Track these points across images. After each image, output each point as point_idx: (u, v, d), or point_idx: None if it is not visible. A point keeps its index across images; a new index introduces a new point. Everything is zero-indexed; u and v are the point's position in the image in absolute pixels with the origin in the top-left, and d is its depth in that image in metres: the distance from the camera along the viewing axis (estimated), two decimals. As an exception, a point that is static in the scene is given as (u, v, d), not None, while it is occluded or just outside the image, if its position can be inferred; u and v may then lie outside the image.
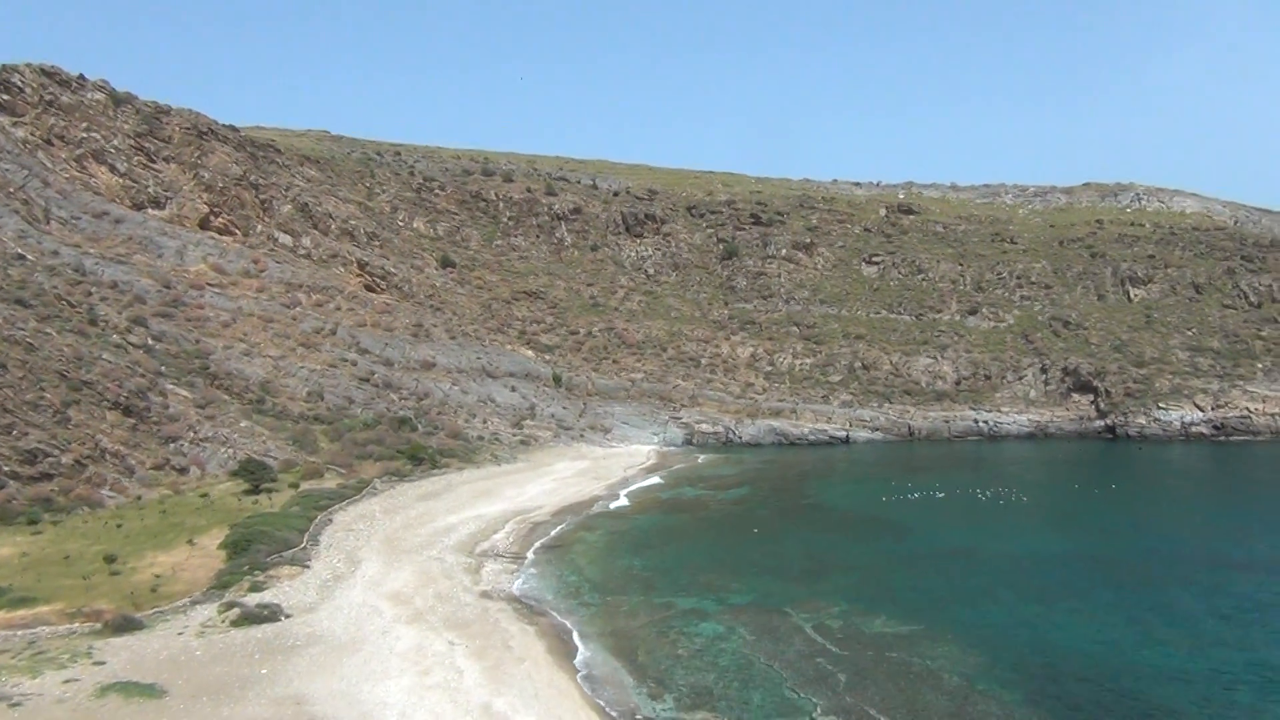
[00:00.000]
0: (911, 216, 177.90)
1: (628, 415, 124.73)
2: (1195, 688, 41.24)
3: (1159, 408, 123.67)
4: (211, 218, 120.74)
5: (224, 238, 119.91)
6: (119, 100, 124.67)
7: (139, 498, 69.25)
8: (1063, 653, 45.90)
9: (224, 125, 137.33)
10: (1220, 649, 45.69)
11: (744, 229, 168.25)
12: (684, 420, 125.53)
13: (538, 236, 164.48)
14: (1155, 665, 43.88)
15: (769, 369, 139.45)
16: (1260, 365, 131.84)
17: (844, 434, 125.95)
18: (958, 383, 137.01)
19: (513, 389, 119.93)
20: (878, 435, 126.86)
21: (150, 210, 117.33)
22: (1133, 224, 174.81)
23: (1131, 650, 45.89)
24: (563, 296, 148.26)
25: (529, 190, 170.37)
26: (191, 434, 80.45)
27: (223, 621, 46.56)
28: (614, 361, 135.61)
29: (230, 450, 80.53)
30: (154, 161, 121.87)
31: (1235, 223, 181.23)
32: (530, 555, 65.55)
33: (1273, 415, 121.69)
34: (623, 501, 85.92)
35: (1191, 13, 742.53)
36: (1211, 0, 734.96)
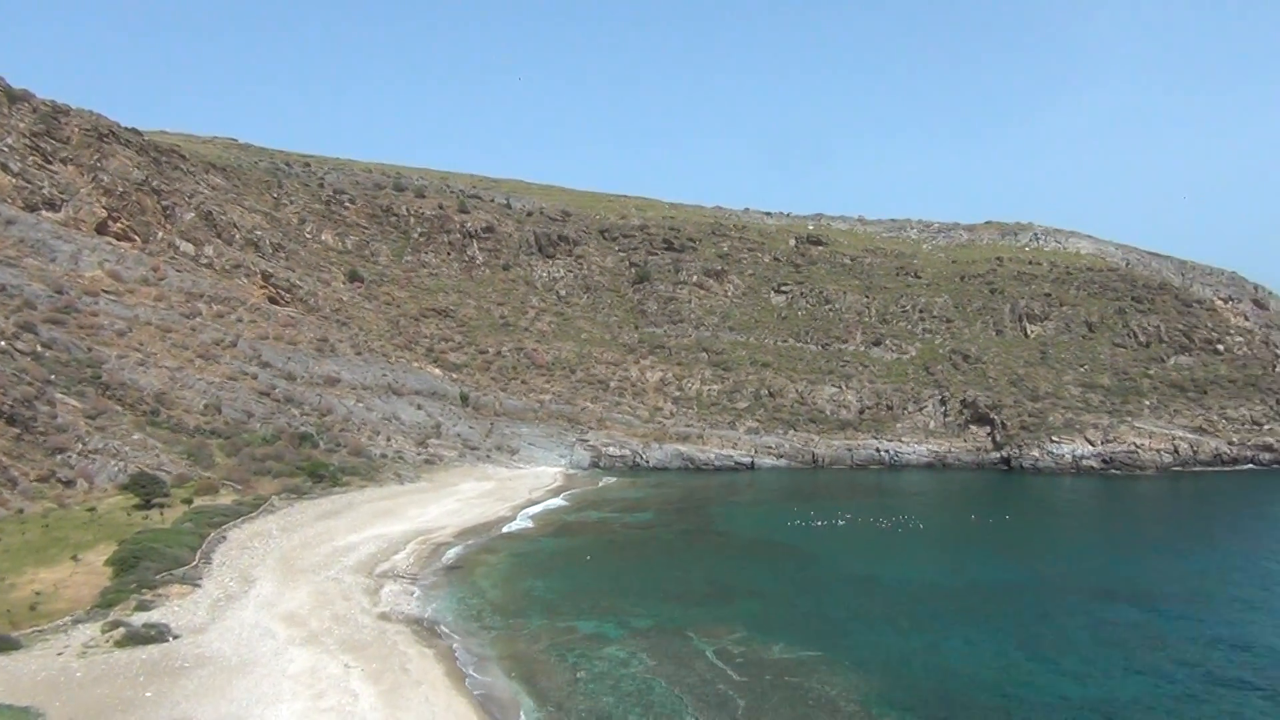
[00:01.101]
0: (820, 248, 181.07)
1: (535, 436, 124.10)
2: (1082, 716, 42.50)
3: (1052, 441, 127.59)
4: (110, 223, 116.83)
5: (122, 244, 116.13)
6: (14, 97, 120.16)
7: (21, 511, 66.28)
8: (957, 680, 46.89)
9: (126, 128, 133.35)
10: (1106, 678, 47.16)
11: (656, 254, 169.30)
12: (591, 443, 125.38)
13: (449, 254, 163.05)
14: (1045, 693, 45.11)
15: (677, 394, 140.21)
16: (1147, 402, 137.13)
17: (749, 460, 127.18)
18: (861, 412, 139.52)
19: (419, 407, 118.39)
20: (782, 462, 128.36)
21: (44, 212, 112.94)
22: (1031, 263, 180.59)
23: (1023, 678, 47.10)
24: (472, 315, 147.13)
25: (441, 207, 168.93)
26: (80, 445, 77.40)
27: (106, 641, 44.84)
28: (523, 382, 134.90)
29: (121, 463, 77.74)
30: (50, 162, 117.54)
31: (1127, 264, 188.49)
32: (431, 577, 64.65)
33: (1158, 451, 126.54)
34: (527, 523, 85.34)
35: (1084, 63, 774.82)
36: (1102, 53, 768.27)
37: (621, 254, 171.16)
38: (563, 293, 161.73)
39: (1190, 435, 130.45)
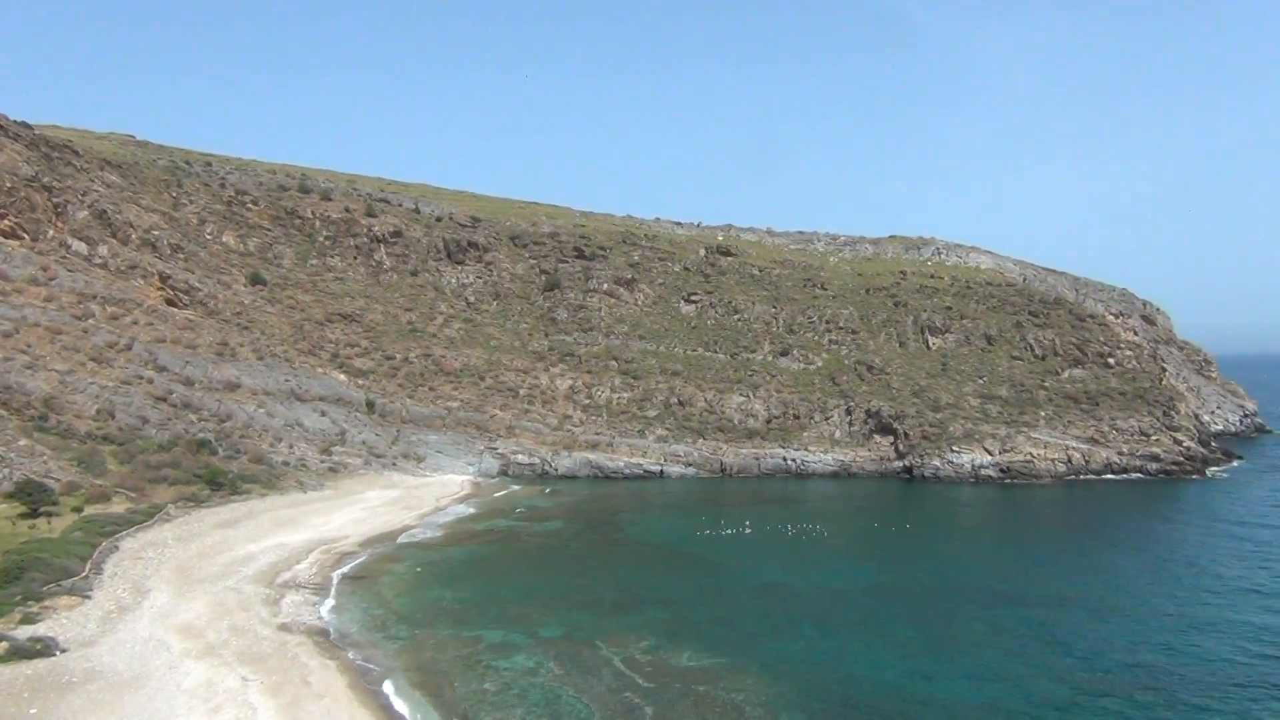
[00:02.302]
0: (729, 258, 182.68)
1: (442, 444, 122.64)
2: (977, 717, 43.60)
3: (952, 451, 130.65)
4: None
5: (10, 242, 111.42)
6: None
7: (-105, 520, 63.17)
8: (861, 685, 47.71)
9: (15, 121, 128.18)
10: (1002, 681, 48.50)
11: (566, 261, 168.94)
12: (500, 451, 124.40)
13: (355, 258, 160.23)
14: (944, 696, 46.14)
15: (587, 402, 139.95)
16: (1043, 414, 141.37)
17: (658, 468, 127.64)
18: (768, 421, 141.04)
19: (323, 413, 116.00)
20: (691, 470, 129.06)
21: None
22: (933, 276, 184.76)
23: (924, 682, 48.11)
24: (379, 320, 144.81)
25: (348, 210, 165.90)
26: (-39, 451, 74.06)
27: (-13, 656, 42.88)
28: (430, 389, 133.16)
29: (6, 470, 74.47)
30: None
31: (1024, 280, 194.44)
32: (334, 586, 63.47)
33: (1052, 461, 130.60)
34: (434, 532, 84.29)
35: (977, 95, 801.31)
36: (994, 80, 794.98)
37: (532, 261, 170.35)
38: (472, 299, 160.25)
39: (1083, 446, 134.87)
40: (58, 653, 44.49)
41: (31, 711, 37.60)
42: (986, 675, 49.35)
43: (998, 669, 50.33)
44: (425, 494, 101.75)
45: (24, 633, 46.32)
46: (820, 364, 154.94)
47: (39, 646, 44.35)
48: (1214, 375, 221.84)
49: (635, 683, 46.83)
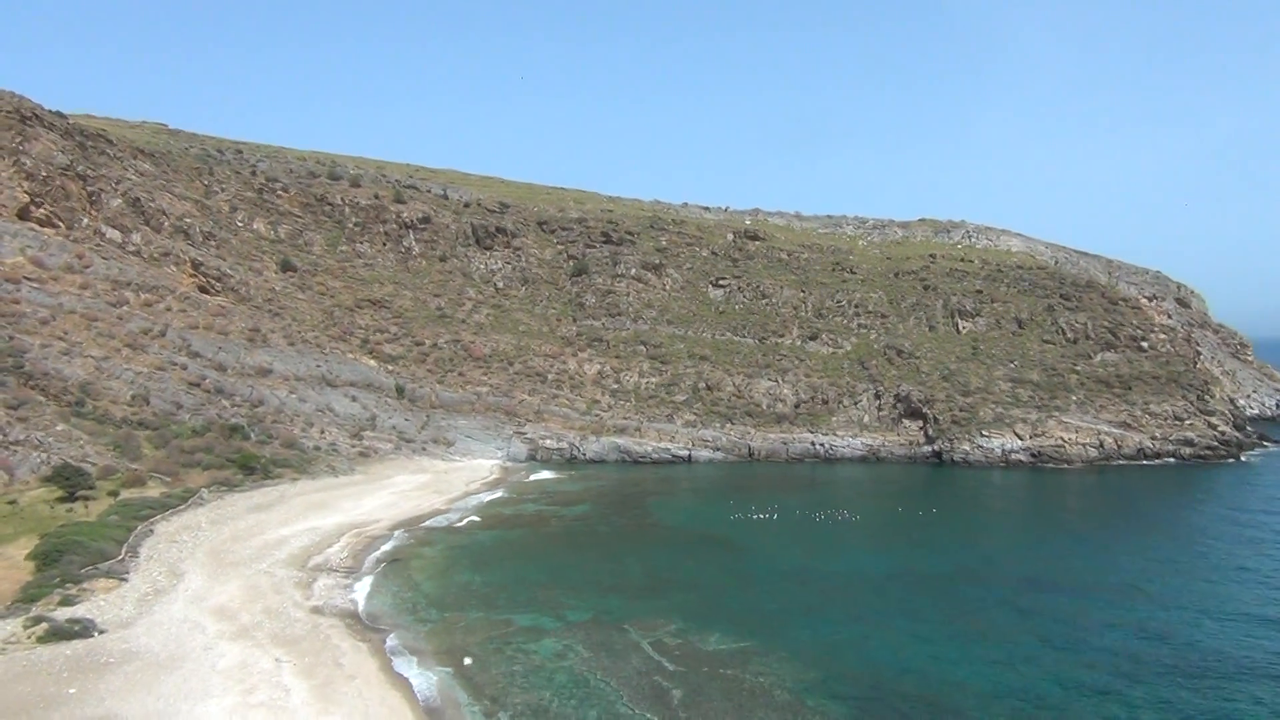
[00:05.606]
0: (757, 242, 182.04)
1: (471, 429, 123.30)
2: (1007, 704, 43.54)
3: (982, 435, 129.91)
4: (32, 208, 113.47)
5: (45, 230, 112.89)
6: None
7: (-63, 504, 64.33)
8: (888, 669, 47.71)
9: (50, 111, 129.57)
10: (1031, 666, 48.34)
11: (594, 247, 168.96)
12: (529, 435, 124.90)
13: (384, 244, 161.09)
14: (973, 682, 46.07)
15: (615, 387, 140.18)
16: (1074, 398, 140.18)
17: (686, 453, 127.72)
18: (797, 406, 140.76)
19: (353, 399, 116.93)
20: (719, 455, 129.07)
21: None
22: (963, 260, 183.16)
23: (952, 667, 48.03)
24: (408, 306, 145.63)
25: (377, 196, 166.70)
26: (1, 436, 75.24)
27: (28, 637, 43.76)
28: (459, 374, 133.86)
29: (44, 455, 75.65)
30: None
31: (1056, 263, 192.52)
32: (366, 570, 64.12)
33: (1084, 445, 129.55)
34: (463, 516, 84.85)
35: (1009, 75, 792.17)
36: (1026, 65, 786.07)
37: (559, 246, 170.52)
38: (500, 285, 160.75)
39: (1115, 430, 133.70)
40: (96, 634, 45.29)
41: (71, 691, 38.33)
42: (1015, 661, 49.20)
43: (1026, 655, 50.15)
44: (454, 478, 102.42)
45: (63, 614, 47.17)
46: (849, 348, 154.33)
47: (77, 628, 45.15)
48: (1250, 358, 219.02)
49: (663, 666, 47.10)
